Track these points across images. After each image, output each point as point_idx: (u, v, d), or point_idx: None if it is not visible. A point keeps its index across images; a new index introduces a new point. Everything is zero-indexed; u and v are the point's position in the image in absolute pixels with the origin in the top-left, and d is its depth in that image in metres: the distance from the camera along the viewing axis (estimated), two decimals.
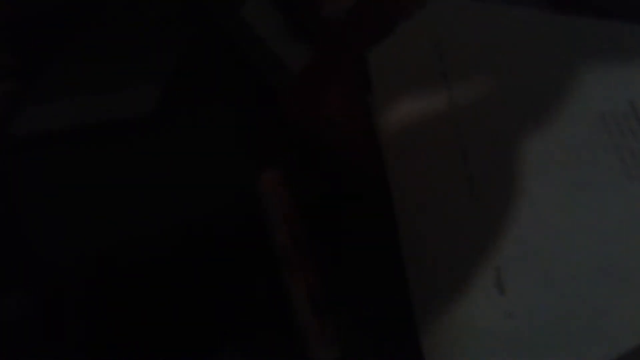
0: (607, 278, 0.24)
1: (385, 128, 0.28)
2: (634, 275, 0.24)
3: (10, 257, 0.29)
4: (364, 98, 0.28)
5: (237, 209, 0.30)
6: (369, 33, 0.29)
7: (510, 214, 0.25)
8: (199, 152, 0.31)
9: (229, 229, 0.30)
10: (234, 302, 0.29)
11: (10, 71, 0.33)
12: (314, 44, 0.30)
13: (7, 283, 0.29)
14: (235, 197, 0.30)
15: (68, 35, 0.33)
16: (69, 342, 0.28)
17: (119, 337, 0.28)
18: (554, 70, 0.29)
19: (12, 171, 0.31)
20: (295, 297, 0.27)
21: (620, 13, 0.30)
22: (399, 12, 0.29)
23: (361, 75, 0.28)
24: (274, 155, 0.30)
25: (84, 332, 0.28)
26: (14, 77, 0.33)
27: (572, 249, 0.24)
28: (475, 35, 0.29)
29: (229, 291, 0.29)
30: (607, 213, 0.25)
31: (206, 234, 0.29)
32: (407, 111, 0.28)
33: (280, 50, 0.31)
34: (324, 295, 0.27)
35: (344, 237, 0.29)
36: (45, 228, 0.30)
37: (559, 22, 0.30)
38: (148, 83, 0.31)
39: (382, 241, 0.26)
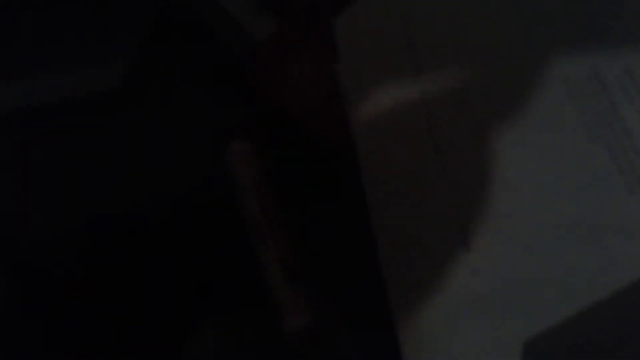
0: (569, 236, 0.24)
1: (352, 96, 0.28)
2: (595, 233, 0.24)
3: None
4: (331, 66, 0.29)
5: (208, 180, 0.30)
6: (333, 4, 0.29)
7: (475, 176, 0.26)
8: (169, 126, 0.31)
9: (200, 201, 0.30)
10: (209, 275, 0.29)
11: None
12: (281, 17, 0.31)
13: None
14: (206, 168, 0.30)
15: (35, 12, 0.33)
16: (49, 322, 0.28)
17: (100, 315, 0.28)
18: (518, 38, 0.29)
19: None
20: (267, 265, 0.27)
21: None
22: None
23: (328, 45, 0.29)
24: (243, 126, 0.30)
25: (64, 312, 0.28)
26: None
27: (535, 208, 0.25)
28: (442, 3, 0.30)
29: (204, 264, 0.29)
30: (570, 174, 0.26)
31: (179, 207, 0.30)
32: (374, 79, 0.28)
33: (248, 24, 0.31)
34: (296, 263, 0.27)
35: (313, 206, 0.29)
36: (20, 208, 0.30)
37: None
38: (116, 59, 0.31)
39: (351, 208, 0.27)
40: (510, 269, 0.24)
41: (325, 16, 0.29)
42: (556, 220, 0.25)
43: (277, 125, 0.30)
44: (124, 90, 0.31)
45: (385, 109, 0.28)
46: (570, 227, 0.25)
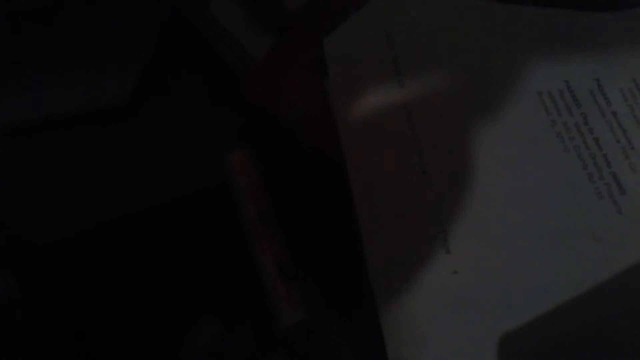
0: (542, 239, 0.26)
1: (340, 109, 0.29)
2: (567, 237, 0.26)
3: None
4: (321, 82, 0.30)
5: (209, 186, 0.31)
6: (325, 23, 0.30)
7: (455, 183, 0.27)
8: (171, 137, 0.32)
9: (202, 206, 0.31)
10: (209, 273, 0.30)
11: None
12: (277, 35, 0.32)
13: None
14: (207, 175, 0.31)
15: (44, 27, 0.34)
16: (55, 322, 0.29)
17: (104, 314, 0.29)
18: (496, 53, 0.30)
19: None
20: (264, 266, 0.28)
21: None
22: (350, 3, 0.30)
23: (319, 61, 0.30)
24: (241, 136, 0.31)
25: (70, 312, 0.29)
26: None
27: (511, 214, 0.26)
28: (423, 22, 0.31)
29: (204, 263, 0.30)
30: (544, 181, 0.27)
31: (182, 211, 0.30)
32: (360, 94, 0.29)
33: (246, 41, 0.32)
34: (290, 263, 0.28)
35: (307, 209, 0.30)
36: (30, 211, 0.30)
37: (500, 9, 0.31)
38: (123, 73, 0.32)
39: (342, 212, 0.28)
40: (488, 270, 0.25)
41: (315, 37, 0.30)
42: (531, 225, 0.26)
43: (273, 134, 0.31)
44: (129, 102, 0.32)
45: (371, 121, 0.28)
46: (543, 231, 0.26)
